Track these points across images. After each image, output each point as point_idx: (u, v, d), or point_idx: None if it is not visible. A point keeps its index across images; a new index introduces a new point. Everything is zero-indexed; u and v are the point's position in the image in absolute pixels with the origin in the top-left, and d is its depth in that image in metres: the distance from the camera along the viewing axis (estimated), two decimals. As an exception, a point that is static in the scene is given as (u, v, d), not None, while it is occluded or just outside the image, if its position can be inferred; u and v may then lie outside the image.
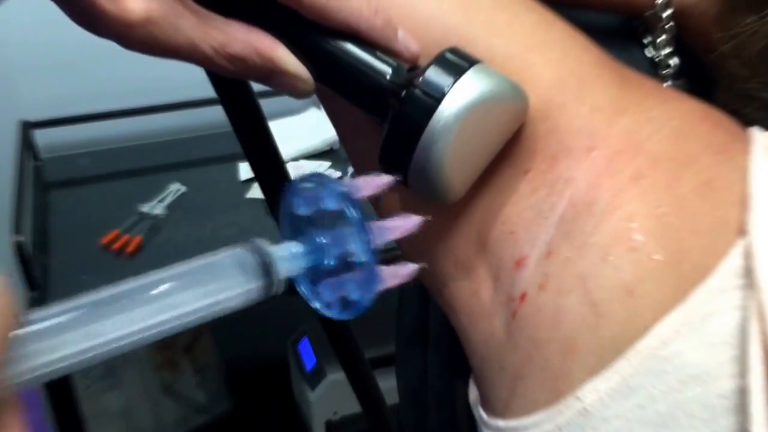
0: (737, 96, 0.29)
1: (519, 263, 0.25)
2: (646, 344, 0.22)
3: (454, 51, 0.26)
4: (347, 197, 0.24)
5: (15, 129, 1.20)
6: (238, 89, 0.45)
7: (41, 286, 0.98)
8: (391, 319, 0.51)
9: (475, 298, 0.27)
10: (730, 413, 0.21)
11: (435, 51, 0.26)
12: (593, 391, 0.22)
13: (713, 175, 0.24)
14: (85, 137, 1.29)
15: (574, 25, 0.28)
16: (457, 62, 0.25)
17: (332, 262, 0.25)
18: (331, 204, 0.25)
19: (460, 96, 0.25)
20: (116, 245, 1.06)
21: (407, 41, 0.27)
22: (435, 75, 0.25)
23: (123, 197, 1.16)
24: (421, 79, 0.25)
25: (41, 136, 1.24)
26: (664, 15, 0.34)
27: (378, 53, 0.27)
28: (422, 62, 0.26)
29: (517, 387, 0.24)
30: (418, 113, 0.25)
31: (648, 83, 0.28)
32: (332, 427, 1.30)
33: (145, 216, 1.12)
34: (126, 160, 1.29)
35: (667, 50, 0.35)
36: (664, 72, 0.35)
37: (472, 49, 0.26)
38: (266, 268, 0.24)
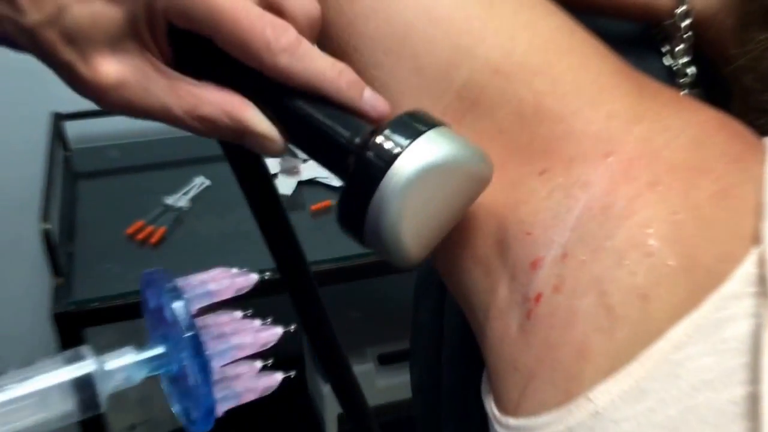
0: (752, 108, 0.29)
1: (535, 264, 0.25)
2: (659, 348, 0.22)
3: (414, 114, 0.25)
4: (184, 311, 0.22)
5: (46, 120, 1.23)
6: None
7: (66, 273, 1.00)
8: (407, 314, 0.51)
9: (491, 295, 0.27)
10: (741, 419, 0.21)
11: (458, 41, 0.25)
12: (605, 394, 0.22)
13: (729, 183, 0.24)
14: (114, 130, 1.31)
15: (593, 33, 0.29)
16: (414, 125, 0.24)
17: (175, 371, 0.23)
18: (168, 313, 0.23)
19: (412, 160, 0.24)
20: (141, 235, 1.08)
21: (374, 101, 0.26)
22: (389, 137, 0.24)
23: (149, 189, 1.18)
24: (375, 140, 0.24)
25: (72, 128, 1.26)
26: (683, 24, 0.34)
27: (342, 114, 0.26)
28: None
29: (529, 386, 0.25)
30: (369, 176, 0.24)
31: (666, 92, 0.28)
32: (344, 420, 1.31)
33: (169, 208, 1.14)
34: (153, 153, 1.31)
35: (685, 59, 0.34)
36: (682, 81, 0.35)
37: (493, 40, 0.26)
38: (87, 387, 0.21)
